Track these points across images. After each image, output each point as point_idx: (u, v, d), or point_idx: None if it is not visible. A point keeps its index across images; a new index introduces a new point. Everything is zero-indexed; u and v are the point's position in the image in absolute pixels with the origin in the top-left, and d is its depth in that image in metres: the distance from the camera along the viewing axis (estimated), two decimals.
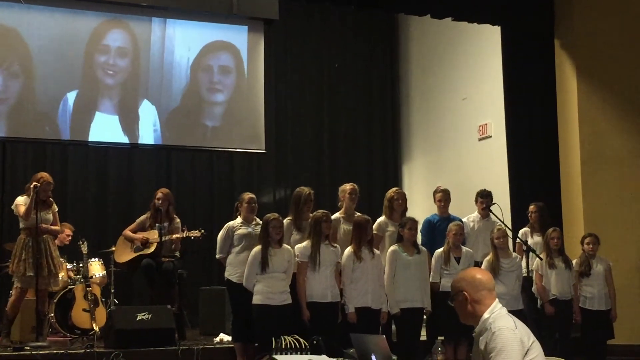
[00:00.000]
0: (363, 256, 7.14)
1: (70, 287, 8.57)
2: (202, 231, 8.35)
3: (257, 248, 7.02)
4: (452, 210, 8.38)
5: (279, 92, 12.01)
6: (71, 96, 9.33)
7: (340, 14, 12.33)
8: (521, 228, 8.55)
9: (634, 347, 8.49)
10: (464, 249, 7.72)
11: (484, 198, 8.40)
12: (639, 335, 8.77)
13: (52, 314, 8.38)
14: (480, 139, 10.85)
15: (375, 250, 7.33)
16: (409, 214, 7.91)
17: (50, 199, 7.76)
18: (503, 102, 9.93)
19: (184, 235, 8.30)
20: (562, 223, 9.11)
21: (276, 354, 4.86)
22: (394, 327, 7.47)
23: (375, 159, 12.66)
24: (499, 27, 10.01)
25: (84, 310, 8.33)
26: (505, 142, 9.95)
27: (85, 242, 8.70)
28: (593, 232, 8.20)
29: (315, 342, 5.06)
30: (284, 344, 4.96)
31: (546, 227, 8.10)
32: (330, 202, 8.41)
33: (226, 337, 8.11)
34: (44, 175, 7.70)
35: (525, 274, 7.87)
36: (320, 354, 4.86)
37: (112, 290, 8.99)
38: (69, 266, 8.83)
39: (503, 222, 7.98)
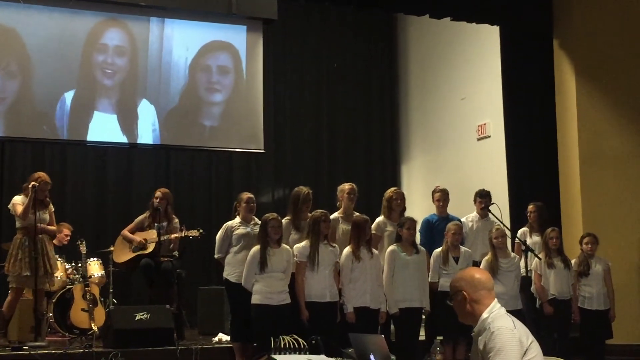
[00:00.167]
0: (362, 256, 7.14)
1: (69, 287, 8.57)
2: (201, 231, 8.35)
3: (256, 248, 7.01)
4: (451, 210, 8.38)
5: (278, 92, 12.01)
6: (69, 96, 9.32)
7: (339, 14, 12.33)
8: (520, 228, 8.55)
9: (632, 346, 8.50)
10: (463, 248, 7.72)
11: (483, 198, 8.40)
12: (638, 335, 8.77)
13: (50, 314, 8.38)
14: (479, 139, 10.86)
15: (374, 250, 7.33)
16: (407, 213, 7.91)
17: (47, 198, 7.75)
18: (502, 101, 9.94)
19: (183, 235, 8.30)
20: (561, 223, 9.12)
21: (275, 354, 4.86)
22: (392, 326, 7.46)
23: (374, 159, 12.66)
24: (498, 27, 10.01)
25: (83, 310, 8.33)
26: (504, 142, 9.96)
27: (84, 242, 8.71)
28: (592, 232, 8.21)
29: (313, 342, 5.06)
30: (282, 343, 4.96)
31: (545, 227, 8.10)
32: (329, 202, 8.40)
33: (225, 337, 8.11)
34: (42, 174, 7.69)
35: (524, 274, 7.88)
36: (318, 354, 4.86)
37: (111, 290, 8.99)
38: (68, 266, 8.83)
39: (502, 222, 7.98)
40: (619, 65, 9.40)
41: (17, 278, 7.51)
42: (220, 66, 10.08)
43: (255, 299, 6.94)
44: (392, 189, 8.28)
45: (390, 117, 12.78)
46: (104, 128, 9.50)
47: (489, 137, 10.63)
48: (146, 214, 8.51)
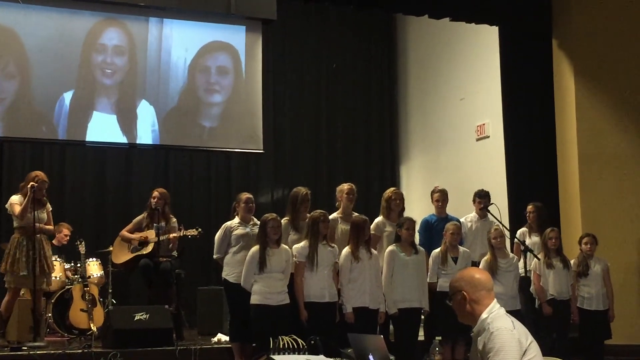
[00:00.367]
0: (361, 256, 7.13)
1: (68, 287, 8.57)
2: (200, 230, 8.36)
3: (255, 248, 7.01)
4: (450, 210, 8.38)
5: (277, 92, 12.01)
6: (68, 96, 9.31)
7: (338, 14, 12.32)
8: (519, 228, 8.55)
9: (631, 347, 8.49)
10: (461, 248, 7.71)
11: (482, 198, 8.40)
12: (637, 335, 8.77)
13: (49, 314, 8.38)
14: (478, 139, 10.86)
15: (373, 251, 7.33)
16: (406, 214, 7.90)
17: (45, 198, 7.73)
18: (501, 102, 9.94)
19: (181, 234, 8.31)
20: (560, 223, 9.11)
21: (274, 354, 4.86)
22: (391, 327, 7.46)
23: (373, 159, 12.66)
24: (497, 27, 10.01)
25: (82, 310, 8.33)
26: (503, 142, 9.95)
27: (83, 242, 8.70)
28: (591, 232, 8.20)
29: (312, 342, 5.06)
30: (281, 344, 4.96)
31: (544, 227, 8.09)
32: (328, 202, 8.40)
33: (224, 337, 8.11)
34: (39, 174, 7.67)
35: (523, 274, 7.88)
36: (317, 354, 4.85)
37: (110, 290, 8.99)
38: (67, 266, 8.83)
39: (501, 222, 7.97)
40: (618, 65, 9.41)
41: (14, 278, 7.50)
42: (220, 67, 10.08)
43: (254, 299, 6.94)
44: (391, 189, 8.28)
45: (390, 117, 12.77)
46: (103, 128, 9.49)
47: (488, 137, 10.64)
48: (144, 214, 8.52)
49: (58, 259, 8.53)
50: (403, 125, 12.73)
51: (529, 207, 8.45)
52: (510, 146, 9.86)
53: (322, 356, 4.78)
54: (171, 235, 8.24)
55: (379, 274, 7.28)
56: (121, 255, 8.56)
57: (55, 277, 8.28)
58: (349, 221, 7.47)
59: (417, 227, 7.89)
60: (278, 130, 12.00)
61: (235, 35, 10.13)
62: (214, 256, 7.66)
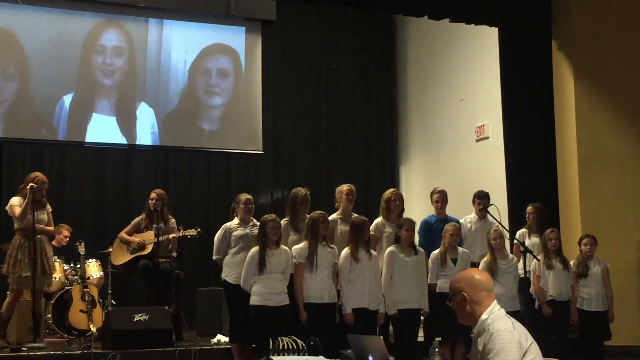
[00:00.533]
0: (360, 257, 7.13)
1: (67, 288, 8.57)
2: (199, 230, 8.36)
3: (255, 249, 7.01)
4: (450, 211, 8.37)
5: (277, 93, 12.00)
6: (68, 98, 9.33)
7: (338, 14, 12.33)
8: (519, 229, 8.54)
9: (631, 348, 8.49)
10: (460, 249, 7.71)
11: (481, 199, 8.39)
12: (636, 336, 8.77)
13: (49, 315, 8.38)
14: (477, 140, 10.86)
15: (372, 251, 7.32)
16: (406, 214, 7.91)
17: (44, 199, 7.73)
18: (500, 103, 9.93)
19: (181, 235, 8.30)
20: (560, 224, 9.10)
21: (273, 355, 4.86)
22: (391, 328, 7.46)
23: (373, 160, 12.66)
24: (497, 28, 10.01)
25: (82, 311, 8.33)
26: (503, 143, 9.94)
27: (82, 243, 8.70)
28: (590, 233, 8.20)
29: (312, 343, 5.05)
30: (281, 345, 4.95)
31: (544, 228, 8.09)
32: (328, 203, 8.40)
33: (223, 338, 8.10)
34: (39, 174, 7.66)
35: (523, 275, 7.88)
36: (317, 355, 4.85)
37: (110, 291, 8.98)
38: (67, 267, 8.82)
39: (500, 223, 7.97)
40: (618, 66, 9.40)
41: (17, 279, 7.49)
42: (220, 69, 10.09)
43: (253, 300, 6.94)
44: (391, 190, 8.28)
45: (389, 118, 12.77)
46: (102, 130, 9.51)
47: (488, 138, 10.63)
48: (142, 215, 8.52)
49: (58, 260, 8.52)
50: (403, 126, 12.73)
51: (529, 208, 8.45)
52: (510, 147, 9.85)
53: (321, 357, 4.78)
54: (170, 236, 8.24)
55: (378, 275, 7.28)
56: (120, 257, 8.56)
57: (55, 278, 8.28)
58: (349, 222, 7.47)
59: (417, 228, 7.88)
60: (278, 131, 11.99)
61: (235, 37, 10.14)
62: (214, 257, 7.66)
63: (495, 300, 3.64)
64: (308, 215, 7.33)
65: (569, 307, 7.85)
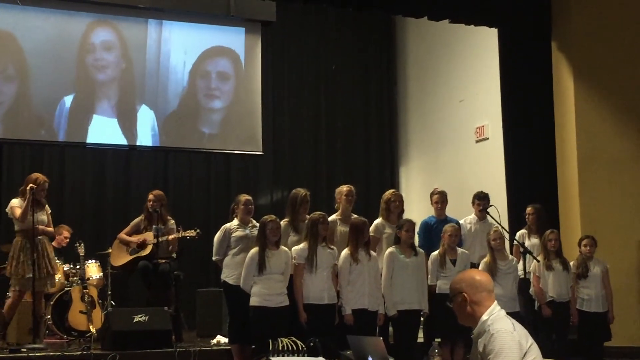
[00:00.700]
0: (360, 258, 7.13)
1: (67, 289, 8.57)
2: (198, 231, 8.36)
3: (254, 250, 7.01)
4: (449, 212, 8.37)
5: (276, 94, 12.00)
6: (68, 100, 9.32)
7: (337, 15, 12.32)
8: (518, 230, 8.54)
9: (631, 349, 8.49)
10: (460, 250, 7.70)
11: (481, 200, 8.39)
12: (636, 337, 8.77)
13: (49, 316, 8.37)
14: (477, 141, 10.86)
15: (372, 252, 7.32)
16: (406, 215, 7.91)
17: (44, 199, 7.72)
18: (500, 104, 9.93)
19: (180, 236, 8.30)
20: (559, 225, 9.10)
21: (273, 356, 4.86)
22: (391, 329, 7.46)
23: (373, 161, 12.66)
24: (496, 29, 10.01)
25: (81, 312, 8.33)
26: (503, 144, 9.94)
27: (82, 244, 8.70)
28: (590, 234, 8.20)
29: (312, 344, 5.06)
30: (280, 345, 4.96)
31: (543, 229, 8.09)
32: (328, 204, 8.40)
33: (223, 339, 8.10)
34: (39, 175, 7.66)
35: (522, 276, 7.87)
36: (317, 356, 4.85)
37: (109, 292, 8.98)
38: (66, 268, 8.82)
39: (500, 224, 7.96)
40: (618, 67, 9.40)
41: (20, 280, 7.48)
42: (220, 72, 10.09)
43: (253, 301, 6.93)
44: (391, 191, 8.28)
45: (389, 119, 12.77)
46: (103, 131, 9.51)
47: (488, 139, 10.63)
48: (142, 216, 8.52)
49: (57, 261, 8.52)
50: (402, 126, 12.73)
51: (529, 209, 8.44)
52: (510, 148, 9.85)
53: (321, 358, 4.78)
54: (170, 237, 8.23)
55: (378, 276, 7.27)
56: (120, 258, 8.56)
57: (57, 278, 8.27)
58: (348, 223, 7.47)
59: (417, 229, 7.88)
60: (277, 131, 11.99)
61: (234, 38, 10.14)
62: (213, 258, 7.66)
63: (496, 301, 3.64)
64: (308, 216, 7.33)
65: (568, 308, 7.85)
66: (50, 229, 7.84)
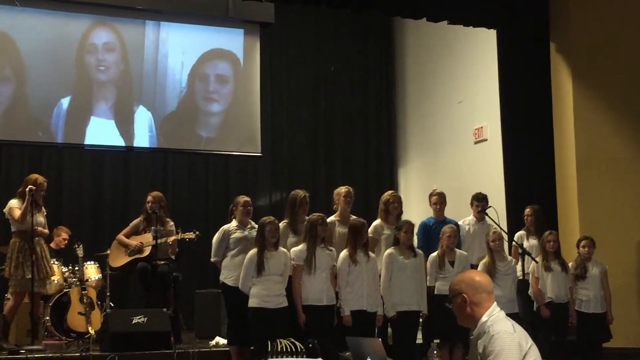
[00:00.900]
0: (358, 259, 7.13)
1: (66, 290, 8.56)
2: (197, 233, 8.35)
3: (253, 251, 7.01)
4: (448, 213, 8.37)
5: (275, 95, 12.00)
6: (65, 101, 9.32)
7: (336, 16, 12.32)
8: (517, 231, 8.55)
9: (629, 350, 8.49)
10: (458, 251, 7.70)
11: (480, 201, 8.39)
12: (635, 338, 8.77)
13: (47, 317, 8.36)
14: (476, 142, 10.86)
15: (371, 254, 7.32)
16: (404, 217, 7.90)
17: (41, 201, 7.69)
18: (499, 105, 9.94)
19: (179, 237, 8.29)
20: (558, 226, 9.11)
21: (272, 357, 4.86)
22: (390, 330, 7.46)
23: (371, 162, 12.66)
24: (495, 31, 10.01)
25: (80, 313, 8.33)
26: (501, 145, 9.95)
27: (80, 246, 8.70)
28: (589, 235, 8.20)
29: (310, 345, 5.06)
30: (279, 347, 4.96)
31: (542, 230, 8.10)
32: (326, 205, 8.39)
33: (222, 340, 8.10)
34: (38, 176, 7.64)
35: (521, 277, 7.87)
36: (316, 357, 4.85)
37: (108, 294, 8.96)
38: (65, 269, 8.81)
39: (499, 225, 7.96)
40: (616, 68, 9.41)
41: (19, 282, 7.45)
42: (219, 75, 10.10)
43: (252, 303, 6.93)
44: (389, 192, 8.27)
45: (388, 120, 12.78)
46: (100, 133, 9.51)
47: (486, 140, 10.64)
48: (140, 217, 8.52)
49: (56, 262, 8.52)
50: (401, 128, 12.73)
51: (527, 210, 8.45)
52: (508, 149, 9.86)
53: (320, 359, 4.78)
54: (170, 239, 8.22)
55: (376, 277, 7.27)
56: (118, 259, 8.55)
57: (54, 280, 8.26)
58: (347, 224, 7.47)
59: (416, 230, 7.88)
60: (276, 133, 11.99)
61: (233, 40, 10.14)
62: (212, 259, 7.65)
63: (495, 303, 3.63)
64: (307, 218, 7.33)
65: (567, 309, 7.86)
66: (46, 230, 7.81)
